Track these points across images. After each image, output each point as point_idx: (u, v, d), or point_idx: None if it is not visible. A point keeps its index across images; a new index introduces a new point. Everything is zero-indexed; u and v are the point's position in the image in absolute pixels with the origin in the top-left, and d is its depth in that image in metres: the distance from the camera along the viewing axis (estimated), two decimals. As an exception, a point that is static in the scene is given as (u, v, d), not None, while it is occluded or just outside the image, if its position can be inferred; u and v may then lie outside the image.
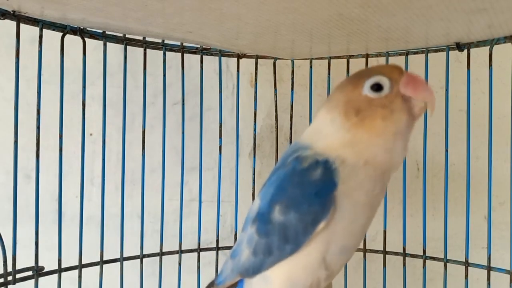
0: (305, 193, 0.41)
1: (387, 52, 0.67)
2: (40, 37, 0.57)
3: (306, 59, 0.73)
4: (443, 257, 0.65)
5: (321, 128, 0.44)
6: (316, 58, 0.72)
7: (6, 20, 0.53)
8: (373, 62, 0.74)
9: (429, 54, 0.64)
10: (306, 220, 0.40)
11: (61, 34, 0.59)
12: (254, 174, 0.74)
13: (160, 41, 0.67)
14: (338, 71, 0.71)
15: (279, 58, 0.73)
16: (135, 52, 0.68)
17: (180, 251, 0.70)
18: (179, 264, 0.70)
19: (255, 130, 0.74)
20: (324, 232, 0.41)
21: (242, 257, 0.45)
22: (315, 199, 0.40)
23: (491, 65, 0.60)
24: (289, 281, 0.42)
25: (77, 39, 0.61)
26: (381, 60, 0.75)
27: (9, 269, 0.55)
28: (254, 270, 0.44)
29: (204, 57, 0.71)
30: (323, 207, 0.40)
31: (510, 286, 0.59)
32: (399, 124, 0.41)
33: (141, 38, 0.66)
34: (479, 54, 0.62)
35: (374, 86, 0.41)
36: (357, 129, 0.41)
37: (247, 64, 0.76)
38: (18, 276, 0.56)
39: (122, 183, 0.66)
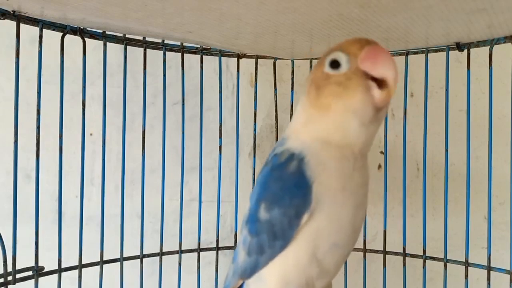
0: (284, 187, 0.40)
1: (387, 52, 0.67)
2: (40, 37, 0.57)
3: (306, 59, 0.73)
4: (443, 257, 0.65)
5: (295, 112, 0.44)
6: (316, 58, 0.72)
7: (6, 20, 0.53)
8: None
9: (429, 54, 0.64)
10: (290, 213, 0.40)
11: (61, 34, 0.59)
12: (254, 174, 0.74)
13: (160, 41, 0.67)
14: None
15: (279, 58, 0.73)
16: (135, 52, 0.68)
17: (180, 251, 0.70)
18: (179, 264, 0.70)
19: (255, 130, 0.74)
20: (309, 226, 0.40)
21: (239, 259, 0.45)
22: (296, 191, 0.40)
23: (491, 65, 0.60)
24: (282, 279, 0.42)
25: (77, 39, 0.61)
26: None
27: (9, 269, 0.55)
28: (251, 270, 0.44)
29: (204, 57, 0.71)
30: (304, 199, 0.39)
31: (510, 286, 0.59)
32: (350, 102, 0.38)
33: (141, 38, 0.66)
34: (479, 54, 0.62)
35: (333, 63, 0.39)
36: (312, 108, 0.40)
37: (247, 64, 0.76)
38: (18, 276, 0.56)
39: (122, 183, 0.66)
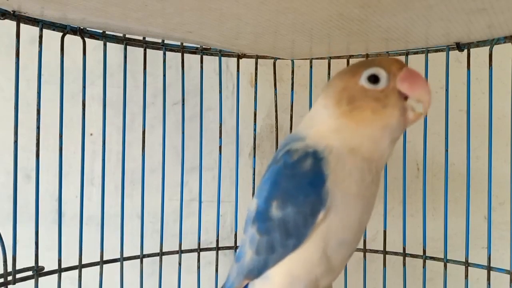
0: (298, 185, 0.40)
1: (387, 52, 0.67)
2: (40, 37, 0.57)
3: (306, 59, 0.73)
4: (443, 257, 0.65)
5: (314, 114, 0.44)
6: (316, 58, 0.72)
7: (6, 20, 0.53)
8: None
9: (429, 54, 0.64)
10: (305, 212, 0.40)
11: (61, 34, 0.59)
12: (254, 174, 0.74)
13: (160, 41, 0.67)
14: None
15: (279, 58, 0.73)
16: (135, 52, 0.68)
17: (180, 251, 0.70)
18: (179, 264, 0.70)
19: (255, 130, 0.74)
20: (323, 225, 0.40)
21: (246, 258, 0.45)
22: (310, 189, 0.40)
23: (491, 65, 0.60)
24: (289, 277, 0.42)
25: (77, 39, 0.61)
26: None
27: (9, 269, 0.55)
28: (259, 270, 0.43)
29: (204, 57, 0.71)
30: (319, 197, 0.40)
31: (510, 286, 0.59)
32: (389, 120, 0.40)
33: (141, 38, 0.66)
34: (479, 54, 0.62)
35: (371, 78, 0.41)
36: (345, 118, 0.41)
37: (247, 64, 0.76)
38: (18, 276, 0.56)
39: (122, 183, 0.66)
